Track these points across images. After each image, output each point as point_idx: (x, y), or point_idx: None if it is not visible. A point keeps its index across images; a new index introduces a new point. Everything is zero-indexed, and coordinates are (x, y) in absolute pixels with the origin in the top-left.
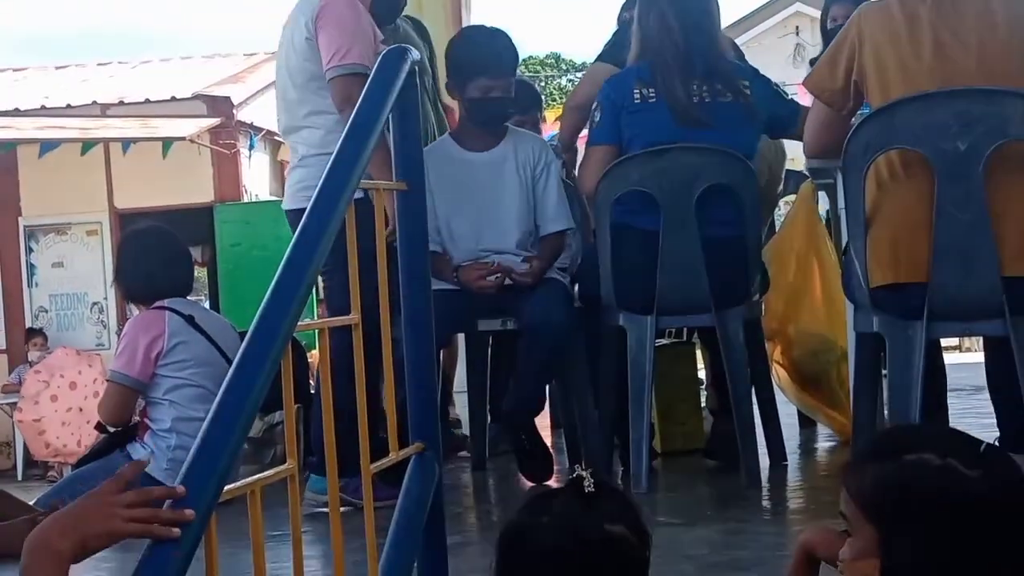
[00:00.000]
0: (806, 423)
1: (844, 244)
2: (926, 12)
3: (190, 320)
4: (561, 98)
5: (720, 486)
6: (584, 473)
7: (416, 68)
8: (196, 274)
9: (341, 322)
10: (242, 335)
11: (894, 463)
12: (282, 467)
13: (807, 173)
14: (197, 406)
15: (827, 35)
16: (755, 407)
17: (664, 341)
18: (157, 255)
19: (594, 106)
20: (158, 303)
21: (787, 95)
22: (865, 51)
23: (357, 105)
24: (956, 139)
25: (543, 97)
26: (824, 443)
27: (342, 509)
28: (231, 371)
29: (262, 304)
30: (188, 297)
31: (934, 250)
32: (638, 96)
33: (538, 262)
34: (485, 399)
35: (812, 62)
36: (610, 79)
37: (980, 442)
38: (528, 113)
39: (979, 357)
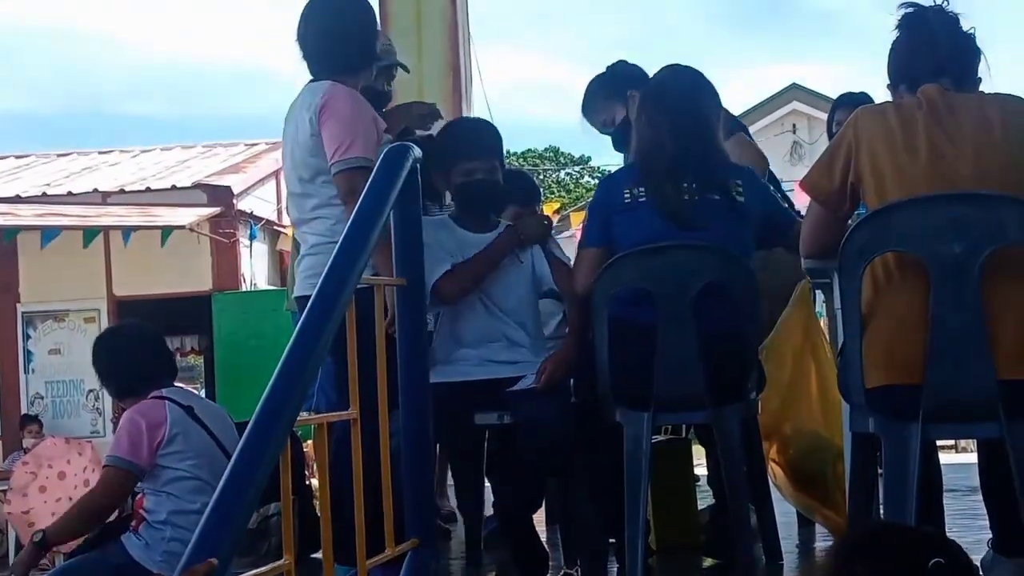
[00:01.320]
0: (804, 522)
1: (840, 344)
2: (922, 117)
3: (189, 411)
4: (559, 191)
5: None
6: (573, 574)
7: (418, 166)
8: (193, 362)
9: (340, 417)
10: (238, 425)
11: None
12: (277, 563)
13: (803, 272)
14: (194, 498)
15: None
16: (751, 505)
17: (660, 437)
18: (139, 348)
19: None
20: (154, 393)
21: (788, 200)
22: (861, 154)
23: (358, 203)
24: (952, 243)
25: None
26: (821, 542)
27: None
28: (229, 467)
29: (262, 398)
30: (185, 385)
31: (929, 352)
32: (628, 196)
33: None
34: (481, 492)
35: None
36: (603, 181)
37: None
38: (527, 205)
39: (975, 457)
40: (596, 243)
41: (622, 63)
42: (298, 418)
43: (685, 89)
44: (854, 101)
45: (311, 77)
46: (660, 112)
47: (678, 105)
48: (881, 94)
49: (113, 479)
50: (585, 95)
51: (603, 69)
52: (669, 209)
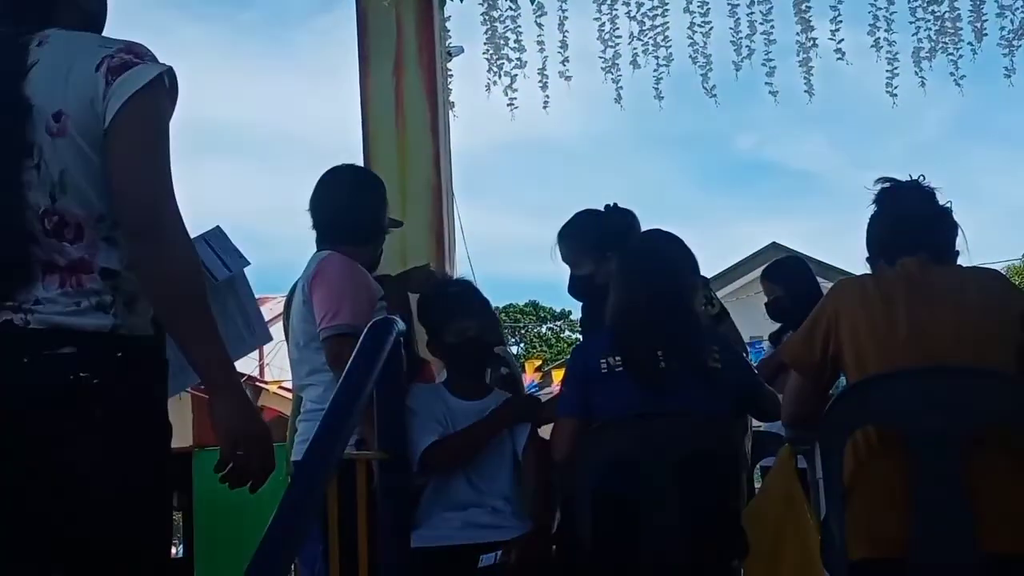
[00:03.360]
0: None
1: (823, 514)
2: (902, 290)
3: None
4: (540, 346)
5: None
6: None
7: (402, 339)
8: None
9: None
10: None
11: None
12: None
13: (785, 438)
14: None
15: None
16: None
17: None
18: None
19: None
20: None
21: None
22: (841, 325)
23: (342, 377)
24: (933, 418)
25: (523, 344)
26: None
27: None
28: None
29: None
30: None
31: (912, 526)
32: (605, 366)
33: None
34: None
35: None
36: (577, 349)
37: None
38: (483, 317)
39: None
40: (574, 413)
41: (616, 210)
42: None
43: (663, 255)
44: None
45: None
46: (637, 277)
47: (655, 269)
48: (852, 248)
49: None
50: (574, 225)
51: (600, 208)
52: (645, 376)
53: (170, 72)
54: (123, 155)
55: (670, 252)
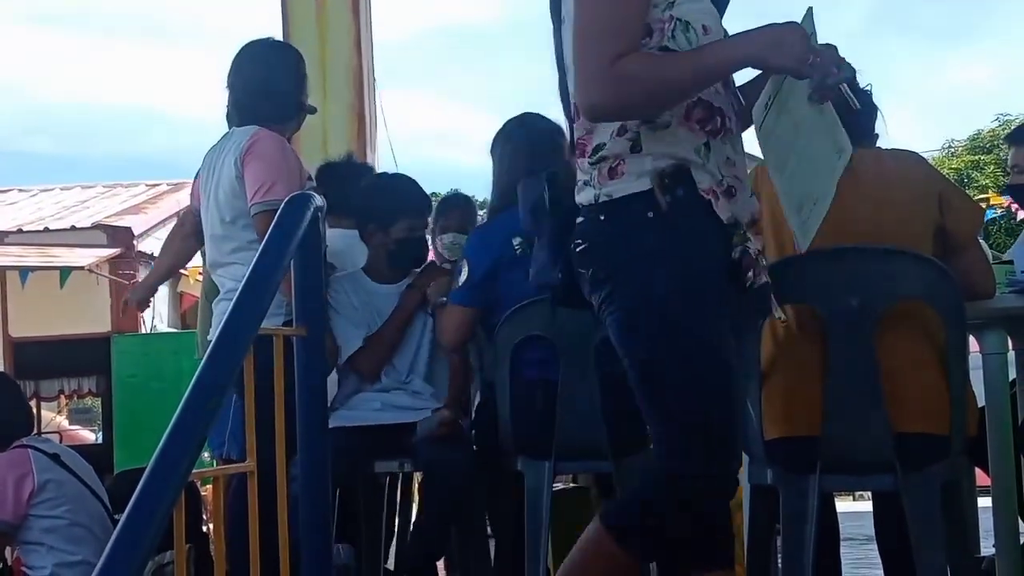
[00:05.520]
0: None
1: None
2: None
3: (55, 458)
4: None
5: None
6: None
7: (320, 215)
8: (90, 405)
9: (236, 469)
10: (135, 472)
11: None
12: None
13: None
14: (75, 548)
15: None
16: None
17: (561, 485)
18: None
19: (461, 261)
20: (16, 444)
21: None
22: (762, 208)
23: (257, 252)
24: (849, 296)
25: None
26: None
27: None
28: (123, 519)
29: (158, 449)
30: (82, 428)
31: (826, 405)
32: (519, 246)
33: (449, 413)
34: (380, 542)
35: None
36: (478, 233)
37: None
38: (420, 217)
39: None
40: (472, 303)
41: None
42: (196, 470)
43: (541, 124)
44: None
45: (236, 123)
46: (517, 139)
47: (535, 127)
48: None
49: None
50: None
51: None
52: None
53: None
54: None
55: (546, 120)
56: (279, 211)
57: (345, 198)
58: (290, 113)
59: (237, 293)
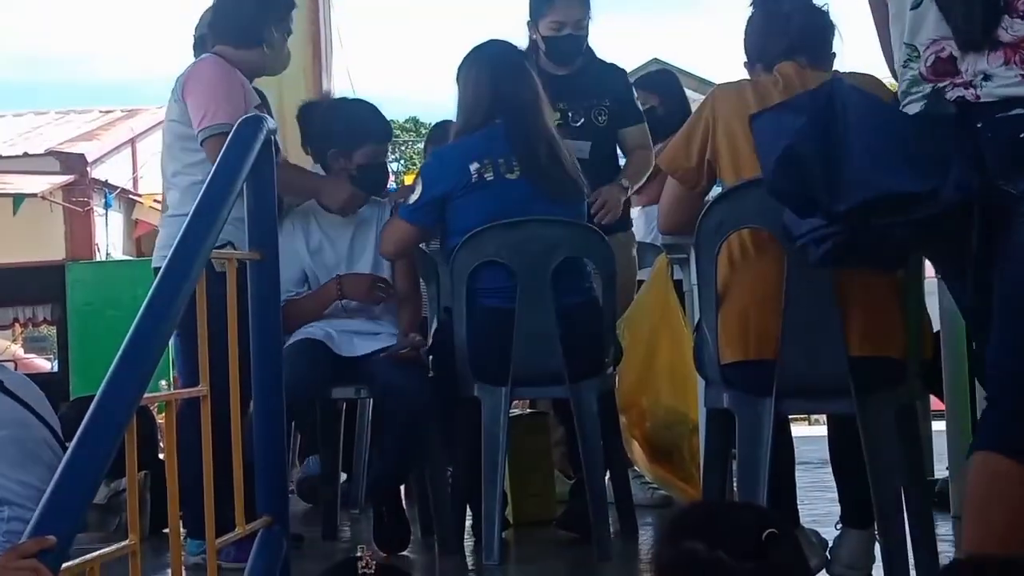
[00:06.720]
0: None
1: (696, 319)
2: (778, 95)
3: None
4: (419, 162)
5: (572, 558)
6: (362, 553)
7: (272, 138)
8: (45, 333)
9: (189, 394)
10: (90, 399)
11: (675, 548)
12: (123, 543)
13: (661, 247)
14: (21, 472)
15: None
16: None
17: (518, 411)
18: None
19: (416, 179)
20: None
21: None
22: (719, 131)
23: (208, 177)
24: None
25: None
26: None
27: None
28: (73, 444)
29: (107, 374)
30: (37, 356)
31: (783, 329)
32: (475, 174)
33: (416, 337)
34: (337, 465)
35: None
36: (437, 156)
37: (764, 529)
38: (382, 143)
39: (826, 430)
40: (417, 221)
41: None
42: (148, 395)
43: (502, 47)
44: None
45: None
46: (481, 66)
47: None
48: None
49: None
50: None
51: None
52: (547, 182)
53: None
54: None
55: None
56: (231, 134)
57: None
58: (248, 39)
59: (189, 217)
